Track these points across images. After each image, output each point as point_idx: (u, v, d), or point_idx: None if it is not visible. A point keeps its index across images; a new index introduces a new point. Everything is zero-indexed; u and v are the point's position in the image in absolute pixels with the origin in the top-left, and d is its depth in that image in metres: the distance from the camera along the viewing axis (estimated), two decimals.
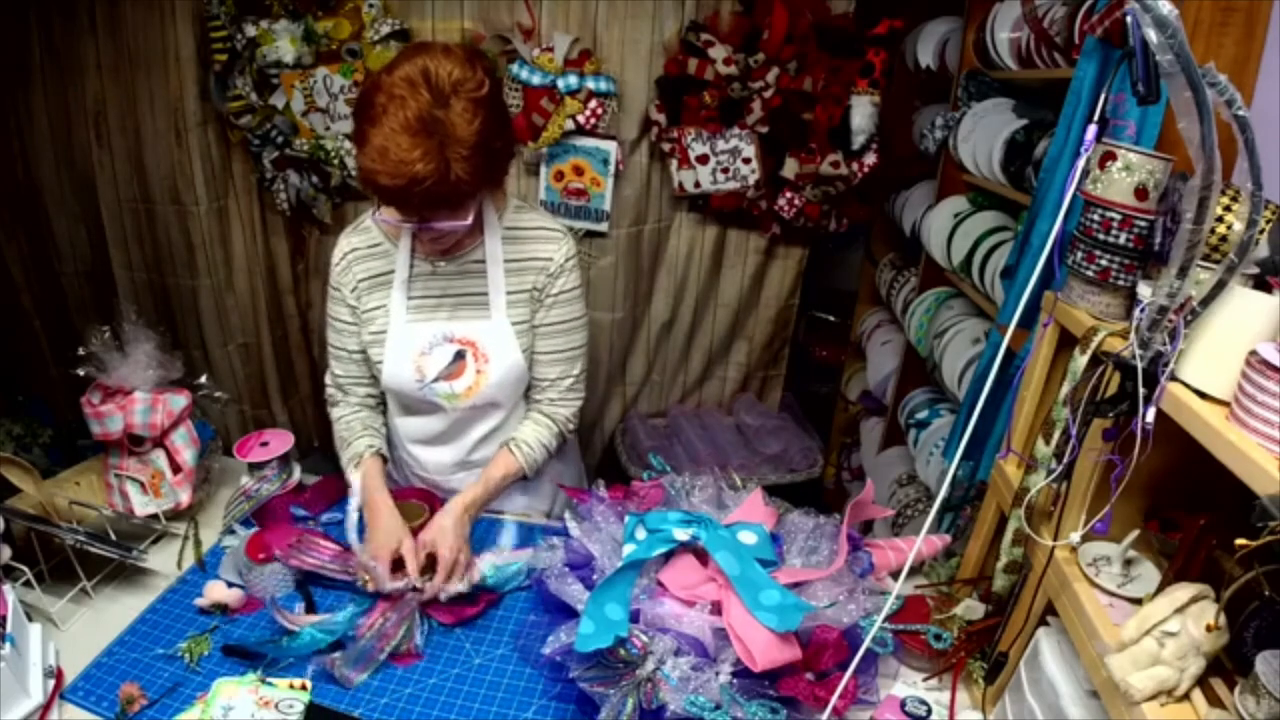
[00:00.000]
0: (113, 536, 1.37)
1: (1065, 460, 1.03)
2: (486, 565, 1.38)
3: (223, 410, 2.62)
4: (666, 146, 2.41)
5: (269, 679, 1.16)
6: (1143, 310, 0.91)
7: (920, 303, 2.41)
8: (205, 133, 2.37)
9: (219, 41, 2.21)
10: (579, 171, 2.42)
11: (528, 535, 1.50)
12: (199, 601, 1.33)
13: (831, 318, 3.36)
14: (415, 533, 1.37)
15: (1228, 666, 0.87)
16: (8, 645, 1.07)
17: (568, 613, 1.22)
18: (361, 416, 1.56)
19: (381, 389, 1.56)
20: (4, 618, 1.11)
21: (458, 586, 1.32)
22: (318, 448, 2.80)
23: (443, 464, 1.60)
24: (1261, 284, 0.92)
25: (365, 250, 1.47)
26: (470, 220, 1.28)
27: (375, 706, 1.18)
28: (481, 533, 1.54)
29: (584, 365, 1.56)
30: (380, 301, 1.47)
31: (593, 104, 2.27)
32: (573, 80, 2.25)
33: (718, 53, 2.27)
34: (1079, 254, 1.07)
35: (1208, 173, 0.82)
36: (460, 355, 1.46)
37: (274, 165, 2.38)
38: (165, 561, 1.44)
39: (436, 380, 1.46)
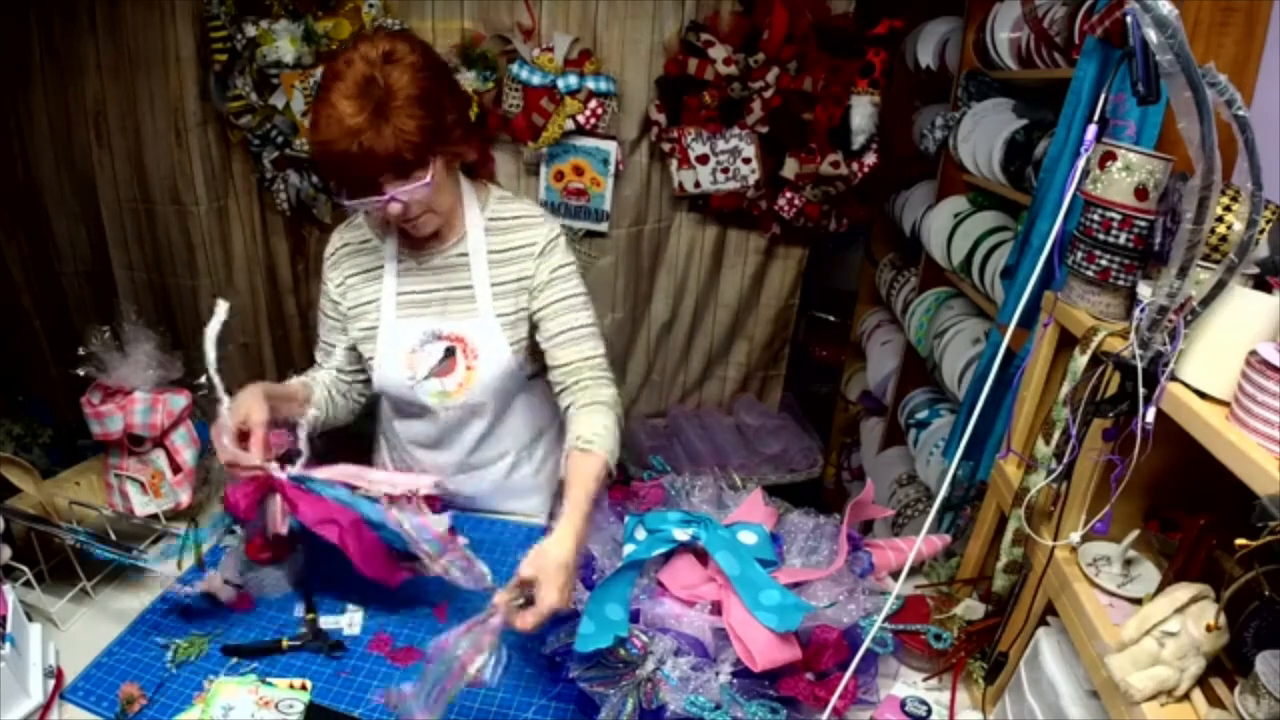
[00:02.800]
0: (113, 536, 1.37)
1: (1065, 460, 1.03)
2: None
3: None
4: (666, 146, 2.41)
5: (269, 679, 1.16)
6: (1143, 310, 0.91)
7: (920, 303, 2.41)
8: (205, 133, 2.37)
9: (219, 41, 2.21)
10: (579, 171, 2.42)
11: (527, 535, 1.50)
12: (196, 585, 1.32)
13: (831, 318, 3.36)
14: None
15: (1228, 666, 0.87)
16: (8, 645, 1.07)
17: (568, 613, 1.22)
18: (318, 375, 1.53)
19: (363, 387, 1.56)
20: (4, 618, 1.11)
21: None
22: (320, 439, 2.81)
23: (443, 466, 1.60)
24: (1261, 284, 0.92)
25: (356, 245, 1.48)
26: (428, 179, 1.26)
27: (375, 706, 1.18)
28: (482, 533, 1.54)
29: (604, 347, 1.45)
30: (370, 296, 1.47)
31: (593, 104, 2.27)
32: (573, 80, 2.25)
33: (718, 53, 2.27)
34: (1079, 254, 1.07)
35: (1208, 173, 0.82)
36: (450, 352, 1.46)
37: (274, 165, 2.38)
38: (165, 561, 1.44)
39: (428, 378, 1.46)
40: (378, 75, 1.20)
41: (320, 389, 1.51)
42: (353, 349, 1.52)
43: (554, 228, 1.46)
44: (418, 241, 1.42)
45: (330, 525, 1.26)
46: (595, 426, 1.31)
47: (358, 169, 1.23)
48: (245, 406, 1.29)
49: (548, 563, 1.10)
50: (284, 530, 1.29)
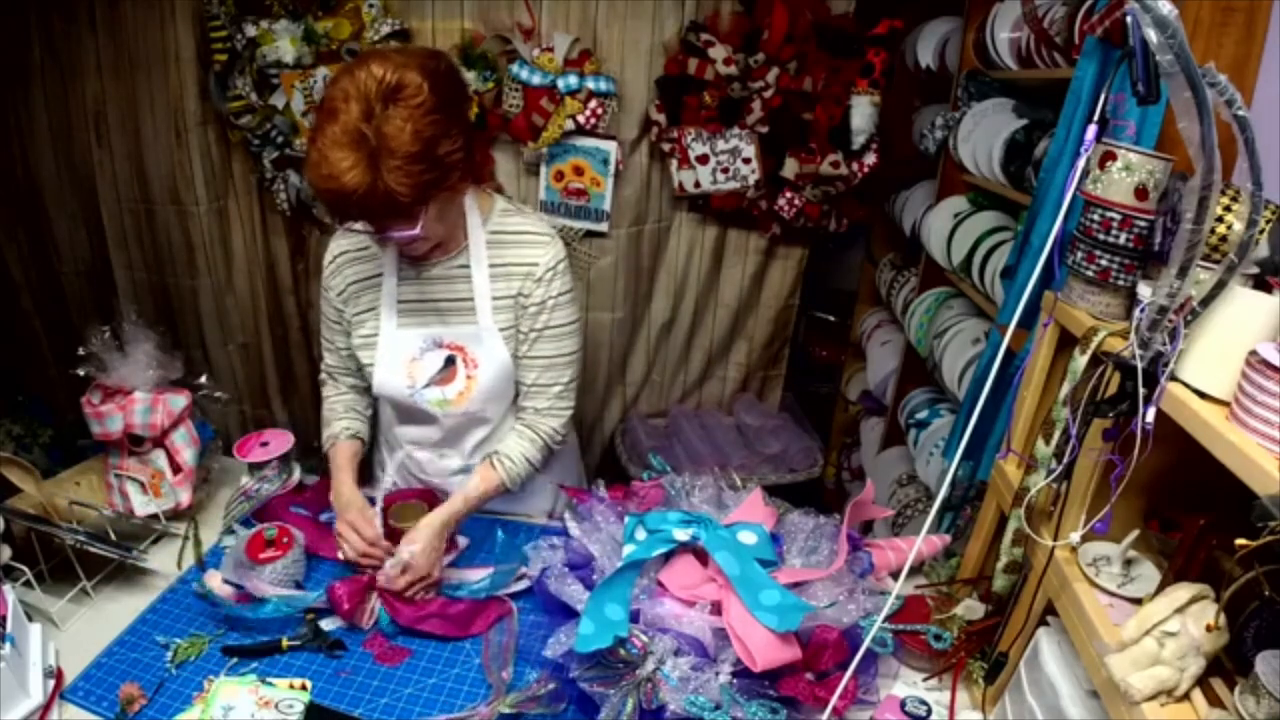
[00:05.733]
0: (113, 536, 1.37)
1: (1065, 460, 1.03)
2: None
3: (223, 410, 2.62)
4: (666, 146, 2.41)
5: (269, 679, 1.16)
6: (1143, 310, 0.91)
7: (920, 303, 2.41)
8: (205, 133, 2.37)
9: (219, 41, 2.21)
10: (579, 171, 2.42)
11: (527, 535, 1.50)
12: (196, 587, 1.36)
13: (831, 318, 3.36)
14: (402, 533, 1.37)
15: (1228, 666, 0.87)
16: (8, 645, 1.07)
17: (568, 613, 1.22)
18: (346, 399, 1.58)
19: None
20: (4, 618, 1.11)
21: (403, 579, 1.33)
22: (318, 447, 2.81)
23: (444, 468, 1.60)
24: (1261, 284, 0.92)
25: (355, 253, 1.47)
26: (419, 229, 1.24)
27: (375, 706, 1.18)
28: (480, 534, 1.54)
29: (575, 374, 1.52)
30: (370, 304, 1.47)
31: (593, 104, 2.27)
32: (573, 80, 2.25)
33: (718, 53, 2.27)
34: (1079, 254, 1.07)
35: (1208, 173, 0.82)
36: (450, 361, 1.46)
37: (274, 165, 2.38)
38: (165, 561, 1.44)
39: (428, 386, 1.46)
40: (372, 128, 1.14)
41: (357, 420, 1.58)
42: (352, 350, 1.52)
43: (557, 251, 1.44)
44: None
45: (430, 620, 1.32)
46: (515, 452, 1.48)
47: (343, 212, 1.22)
48: (351, 509, 1.41)
49: (415, 540, 1.34)
50: (367, 625, 1.33)
